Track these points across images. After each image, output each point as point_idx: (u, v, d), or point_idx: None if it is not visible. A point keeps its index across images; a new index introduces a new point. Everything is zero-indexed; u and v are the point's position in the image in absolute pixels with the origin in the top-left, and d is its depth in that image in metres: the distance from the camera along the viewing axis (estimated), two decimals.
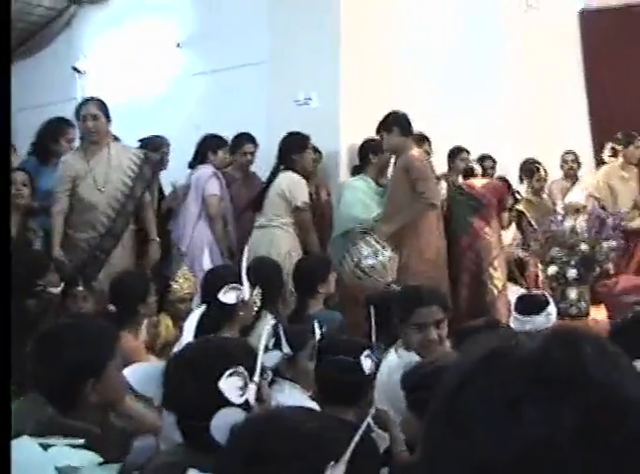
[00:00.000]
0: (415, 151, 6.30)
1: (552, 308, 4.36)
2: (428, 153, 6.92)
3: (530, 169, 8.57)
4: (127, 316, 4.44)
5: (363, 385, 3.28)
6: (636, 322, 2.71)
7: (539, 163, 8.69)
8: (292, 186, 6.36)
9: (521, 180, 8.68)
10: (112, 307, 4.51)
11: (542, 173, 8.61)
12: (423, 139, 7.03)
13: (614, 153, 8.02)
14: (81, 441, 2.13)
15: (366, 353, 3.27)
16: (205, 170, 6.62)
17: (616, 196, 8.05)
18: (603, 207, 7.52)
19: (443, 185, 6.98)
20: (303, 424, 1.53)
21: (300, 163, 6.52)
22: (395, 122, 6.36)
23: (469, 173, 7.65)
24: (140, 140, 6.99)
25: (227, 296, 3.96)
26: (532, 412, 0.77)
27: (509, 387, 0.80)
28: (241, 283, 4.04)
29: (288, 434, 1.50)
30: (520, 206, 8.01)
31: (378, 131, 6.47)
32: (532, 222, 7.58)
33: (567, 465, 0.75)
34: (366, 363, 3.23)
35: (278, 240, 6.22)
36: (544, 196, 8.75)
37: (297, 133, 6.63)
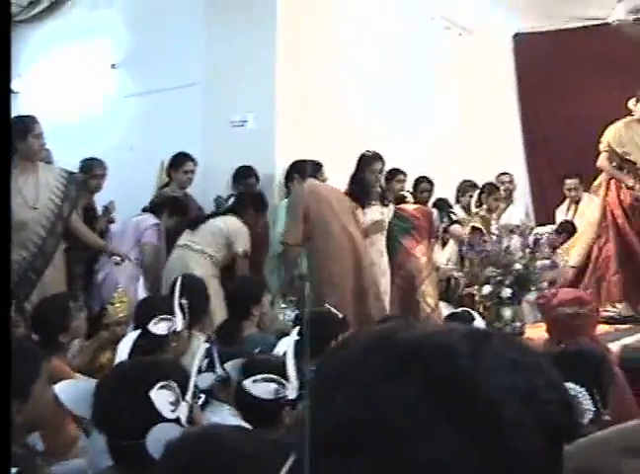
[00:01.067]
0: (303, 185, 6.45)
1: (478, 323, 4.42)
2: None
3: (491, 188, 8.69)
4: (49, 344, 4.29)
5: (279, 407, 3.23)
6: (573, 356, 2.79)
7: (494, 184, 8.85)
8: (236, 231, 6.36)
9: (458, 200, 8.80)
10: (34, 335, 4.39)
11: (501, 192, 8.75)
12: (319, 167, 7.04)
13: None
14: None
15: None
16: (149, 218, 6.57)
17: None
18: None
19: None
20: (239, 443, 1.54)
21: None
22: (295, 170, 6.61)
23: (401, 200, 7.74)
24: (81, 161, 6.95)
25: (158, 327, 3.88)
26: (385, 385, 0.82)
27: (368, 360, 0.85)
28: (173, 314, 3.98)
29: (225, 452, 1.50)
30: (475, 223, 8.08)
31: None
32: (486, 239, 7.67)
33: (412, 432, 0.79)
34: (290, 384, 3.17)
35: (193, 264, 6.16)
36: (495, 214, 8.87)
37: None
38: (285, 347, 3.34)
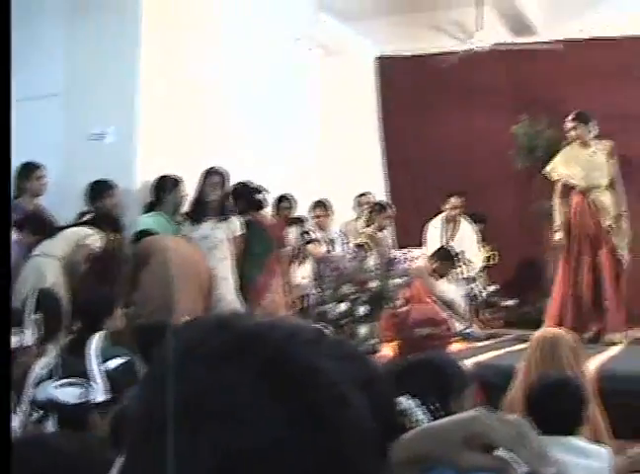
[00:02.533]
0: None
1: None
2: None
3: (380, 206, 8.86)
4: None
5: (85, 410, 3.17)
6: (410, 367, 2.88)
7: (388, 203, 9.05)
8: (87, 235, 6.31)
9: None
10: None
11: (389, 211, 8.92)
12: (178, 183, 7.11)
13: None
14: None
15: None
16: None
17: None
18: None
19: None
20: (61, 443, 1.55)
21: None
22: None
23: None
24: None
25: None
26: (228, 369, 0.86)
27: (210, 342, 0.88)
28: (23, 327, 3.88)
29: (48, 453, 1.51)
30: (362, 239, 8.22)
31: None
32: (372, 255, 7.82)
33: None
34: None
35: (46, 271, 6.07)
36: (382, 233, 9.04)
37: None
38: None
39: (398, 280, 6.32)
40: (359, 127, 11.17)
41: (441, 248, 8.67)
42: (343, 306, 6.06)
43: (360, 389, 0.87)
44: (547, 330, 3.84)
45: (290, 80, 9.79)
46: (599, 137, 7.71)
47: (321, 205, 8.69)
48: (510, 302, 9.66)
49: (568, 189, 7.64)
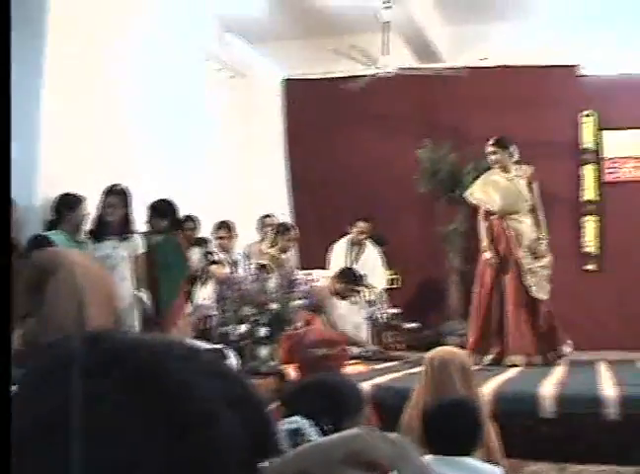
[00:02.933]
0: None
1: (232, 362, 4.55)
2: None
3: (284, 228, 8.82)
4: None
5: None
6: (304, 388, 2.90)
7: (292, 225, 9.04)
8: None
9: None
10: None
11: (293, 233, 8.91)
12: (81, 202, 7.01)
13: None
14: None
15: None
16: None
17: None
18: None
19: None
20: None
21: None
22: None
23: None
24: None
25: None
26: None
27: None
28: None
29: None
30: (265, 260, 8.19)
31: None
32: (274, 277, 7.78)
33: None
34: None
35: None
36: (285, 254, 9.03)
37: None
38: None
39: (299, 302, 6.35)
40: (265, 149, 11.21)
41: (345, 269, 8.72)
42: (243, 328, 6.06)
43: (232, 407, 0.88)
44: (438, 350, 3.88)
45: (198, 100, 9.79)
46: (519, 162, 7.83)
47: (224, 227, 8.65)
48: (412, 325, 9.78)
49: (488, 213, 7.75)
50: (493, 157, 7.71)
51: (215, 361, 0.95)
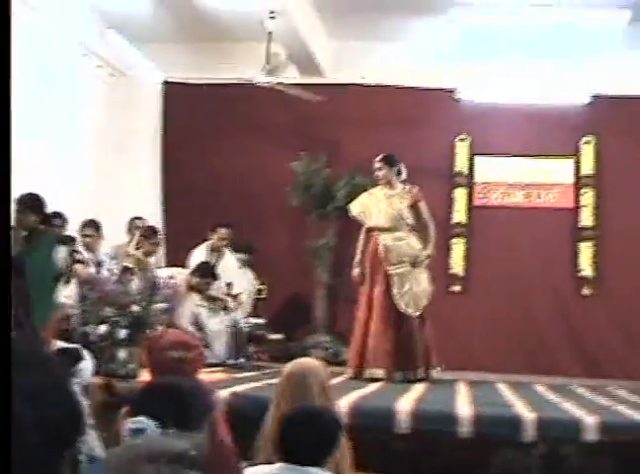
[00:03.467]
0: None
1: (86, 363, 4.44)
2: None
3: (152, 231, 8.61)
4: None
5: None
6: (151, 390, 2.87)
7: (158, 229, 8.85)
8: None
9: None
10: None
11: (158, 237, 8.73)
12: None
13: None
14: None
15: None
16: None
17: None
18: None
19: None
20: None
21: None
22: None
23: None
24: None
25: None
26: None
27: None
28: None
29: None
30: (129, 262, 7.98)
31: None
32: (137, 279, 7.61)
33: None
34: None
35: None
36: (151, 258, 8.87)
37: None
38: None
39: (161, 305, 6.25)
40: (140, 151, 11.04)
41: (202, 263, 8.70)
42: (103, 328, 5.93)
43: (28, 400, 0.89)
44: (297, 361, 3.86)
45: (73, 95, 9.56)
46: (404, 182, 7.90)
47: (91, 225, 8.43)
48: (276, 336, 9.76)
49: (368, 229, 7.78)
50: (379, 173, 7.76)
51: (28, 354, 0.95)
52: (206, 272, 8.55)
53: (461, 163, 10.72)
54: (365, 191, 8.13)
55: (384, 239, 7.63)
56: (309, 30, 9.95)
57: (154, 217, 10.38)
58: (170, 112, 11.31)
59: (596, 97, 10.16)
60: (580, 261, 10.30)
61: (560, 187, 10.55)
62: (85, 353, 4.61)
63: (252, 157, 10.71)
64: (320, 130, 10.77)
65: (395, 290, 7.50)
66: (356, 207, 7.93)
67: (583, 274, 10.28)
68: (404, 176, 7.85)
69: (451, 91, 10.45)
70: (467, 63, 10.44)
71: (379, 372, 7.36)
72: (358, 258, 7.72)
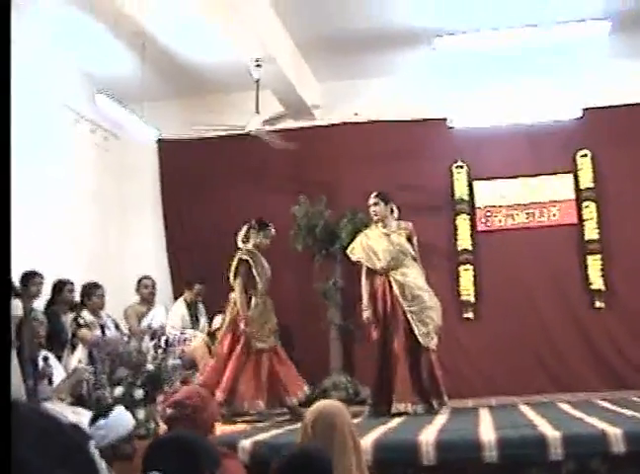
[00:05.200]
0: None
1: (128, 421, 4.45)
2: None
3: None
4: None
5: None
6: (159, 445, 2.91)
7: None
8: None
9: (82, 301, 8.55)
10: None
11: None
12: None
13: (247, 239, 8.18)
14: None
15: None
16: None
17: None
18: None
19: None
20: None
21: None
22: None
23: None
24: None
25: None
26: None
27: None
28: None
29: None
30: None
31: None
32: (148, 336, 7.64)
33: None
34: None
35: None
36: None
37: None
38: None
39: (175, 362, 6.24)
40: (141, 211, 11.11)
41: None
42: (118, 390, 5.91)
43: (61, 465, 0.93)
44: (321, 404, 3.82)
45: (70, 162, 9.65)
46: (399, 219, 7.92)
47: (93, 288, 8.42)
48: None
49: (370, 270, 7.77)
50: (374, 209, 7.78)
51: (47, 420, 0.99)
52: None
53: (460, 190, 10.75)
54: (368, 227, 8.14)
55: (395, 277, 7.62)
56: (297, 74, 10.05)
57: (162, 275, 10.43)
58: (167, 169, 11.41)
59: (587, 110, 10.19)
60: (589, 274, 10.27)
61: (561, 203, 10.56)
62: (125, 414, 4.55)
63: (252, 206, 10.70)
64: (317, 172, 10.82)
65: (415, 326, 7.47)
66: (356, 252, 7.89)
67: (594, 287, 10.24)
68: (396, 214, 7.89)
69: (444, 120, 10.50)
70: (456, 91, 10.54)
71: (403, 407, 7.33)
72: (365, 300, 7.69)
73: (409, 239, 7.80)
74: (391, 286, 7.62)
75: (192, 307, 9.69)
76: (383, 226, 7.82)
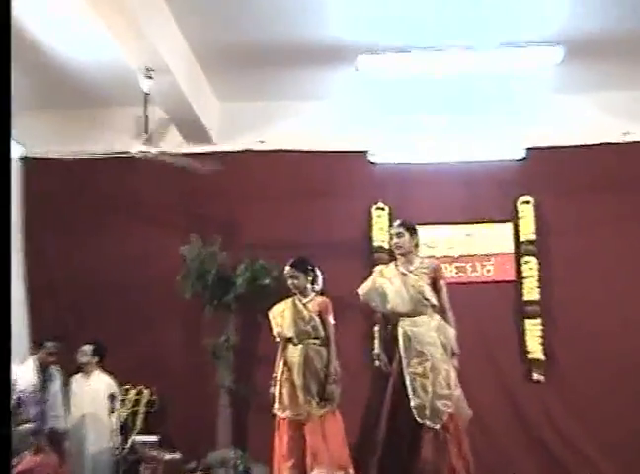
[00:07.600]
0: None
1: None
2: None
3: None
4: None
5: None
6: None
7: None
8: None
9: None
10: None
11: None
12: None
13: None
14: None
15: None
16: None
17: None
18: None
19: None
20: None
21: None
22: None
23: None
24: None
25: None
26: None
27: None
28: None
29: None
30: None
31: None
32: None
33: None
34: None
35: None
36: None
37: None
38: None
39: (28, 425, 5.90)
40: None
41: None
42: None
43: None
44: None
45: None
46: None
47: None
48: (172, 456, 9.34)
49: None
50: (397, 241, 7.58)
51: None
52: None
53: (380, 236, 10.56)
54: (269, 276, 8.01)
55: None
56: (194, 90, 9.79)
57: (17, 320, 9.97)
58: (31, 193, 10.87)
59: (530, 150, 10.21)
60: (527, 341, 10.19)
61: (498, 256, 10.55)
62: None
63: (133, 243, 10.46)
64: (213, 207, 10.61)
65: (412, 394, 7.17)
66: (364, 288, 7.70)
67: (532, 356, 10.17)
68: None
69: (364, 153, 10.38)
70: (381, 120, 10.50)
71: None
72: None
73: (433, 283, 7.57)
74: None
75: (43, 371, 8.85)
76: (404, 262, 7.61)
